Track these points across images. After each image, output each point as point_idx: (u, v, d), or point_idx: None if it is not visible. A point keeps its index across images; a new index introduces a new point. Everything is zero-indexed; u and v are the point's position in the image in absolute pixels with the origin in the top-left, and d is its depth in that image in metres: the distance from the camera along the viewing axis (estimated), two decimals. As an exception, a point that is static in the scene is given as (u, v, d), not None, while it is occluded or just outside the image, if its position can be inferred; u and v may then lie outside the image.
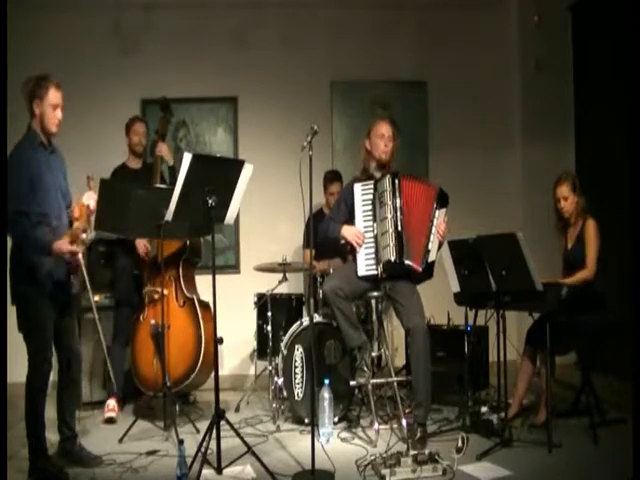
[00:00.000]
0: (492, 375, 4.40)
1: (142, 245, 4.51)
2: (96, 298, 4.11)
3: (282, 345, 4.27)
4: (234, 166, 3.48)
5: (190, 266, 4.60)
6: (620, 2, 4.69)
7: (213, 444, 3.30)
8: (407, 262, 3.78)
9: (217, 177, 3.37)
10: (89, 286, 3.55)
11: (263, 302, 4.58)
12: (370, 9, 5.57)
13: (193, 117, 5.55)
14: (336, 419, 4.07)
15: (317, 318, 4.17)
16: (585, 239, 3.95)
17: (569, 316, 3.70)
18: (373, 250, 3.86)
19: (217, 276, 3.41)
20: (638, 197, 3.87)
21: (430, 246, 3.82)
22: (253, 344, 4.77)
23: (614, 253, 4.08)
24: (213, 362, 3.55)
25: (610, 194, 4.77)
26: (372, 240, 3.87)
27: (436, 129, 5.63)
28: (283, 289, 4.65)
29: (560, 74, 5.56)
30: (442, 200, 3.89)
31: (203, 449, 3.27)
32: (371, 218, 3.90)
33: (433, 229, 3.83)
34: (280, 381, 4.23)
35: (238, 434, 3.46)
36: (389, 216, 3.80)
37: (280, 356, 4.29)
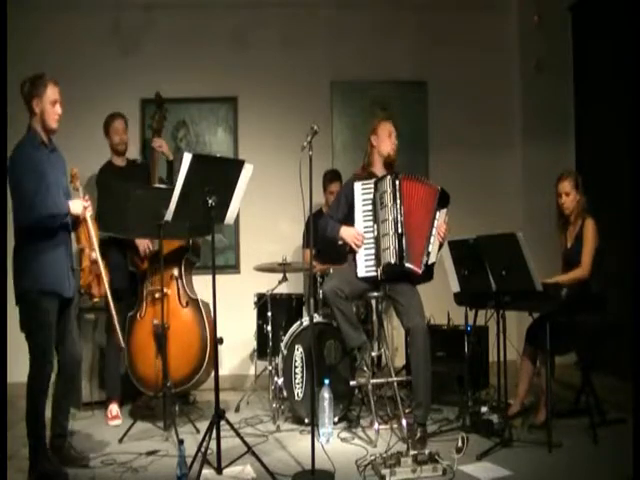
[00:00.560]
0: (492, 375, 4.40)
1: (145, 245, 4.42)
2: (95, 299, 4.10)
3: (282, 345, 4.27)
4: (234, 166, 3.48)
5: (189, 266, 4.60)
6: (620, 2, 4.69)
7: (213, 444, 3.30)
8: (407, 265, 3.76)
9: (217, 177, 3.37)
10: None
11: (263, 302, 4.57)
12: (370, 9, 5.57)
13: (193, 117, 5.54)
14: (336, 419, 4.07)
15: (317, 318, 4.17)
16: (583, 238, 3.95)
17: (569, 316, 3.71)
18: (373, 251, 3.85)
19: (217, 276, 3.42)
20: (638, 197, 3.87)
21: (430, 248, 3.81)
22: (253, 344, 4.77)
23: (614, 253, 4.08)
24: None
25: (610, 194, 4.77)
26: (372, 241, 3.86)
27: (436, 129, 5.63)
28: (283, 289, 4.64)
29: (560, 74, 5.56)
30: (443, 200, 3.88)
31: (203, 449, 3.27)
32: (371, 219, 3.89)
33: (434, 230, 3.82)
34: (280, 381, 4.23)
35: (238, 434, 3.46)
36: (390, 218, 3.78)
37: (280, 356, 4.29)
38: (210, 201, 3.31)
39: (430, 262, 3.82)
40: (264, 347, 4.58)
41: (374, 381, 4.03)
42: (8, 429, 3.44)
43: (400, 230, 3.77)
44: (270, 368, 4.48)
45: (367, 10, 5.57)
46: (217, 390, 3.37)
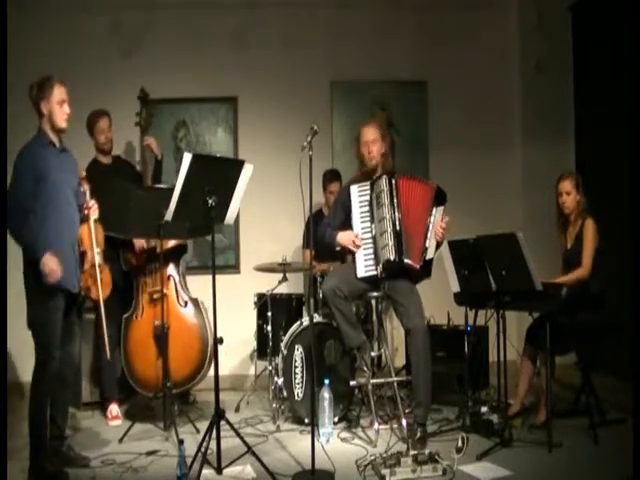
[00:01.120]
0: (492, 375, 4.40)
1: (141, 242, 4.38)
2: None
3: (282, 345, 4.27)
4: (234, 166, 3.48)
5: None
6: (620, 2, 4.69)
7: (213, 444, 3.30)
8: (406, 261, 3.78)
9: (217, 177, 3.38)
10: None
11: (263, 302, 4.57)
12: (370, 9, 5.56)
13: (193, 117, 5.54)
14: (336, 419, 4.07)
15: (317, 318, 4.16)
16: (583, 238, 3.96)
17: (569, 316, 3.71)
18: (372, 251, 3.86)
19: (217, 276, 3.42)
20: (638, 197, 3.87)
21: (428, 244, 3.84)
22: (253, 344, 4.77)
23: (614, 253, 4.08)
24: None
25: (610, 194, 4.77)
26: (370, 241, 3.88)
27: (436, 129, 5.63)
28: (283, 289, 4.64)
29: (560, 74, 5.56)
30: (440, 198, 3.90)
31: (203, 449, 3.27)
32: (369, 219, 3.90)
33: (430, 227, 3.85)
34: (280, 381, 4.23)
35: (238, 434, 3.46)
36: (387, 216, 3.80)
37: (280, 356, 4.29)
38: (210, 201, 3.31)
39: (427, 258, 3.84)
40: (264, 347, 4.58)
41: (374, 381, 4.03)
42: (8, 429, 3.44)
43: (398, 227, 3.79)
44: (270, 368, 4.48)
45: (367, 10, 5.56)
46: (217, 390, 3.37)
